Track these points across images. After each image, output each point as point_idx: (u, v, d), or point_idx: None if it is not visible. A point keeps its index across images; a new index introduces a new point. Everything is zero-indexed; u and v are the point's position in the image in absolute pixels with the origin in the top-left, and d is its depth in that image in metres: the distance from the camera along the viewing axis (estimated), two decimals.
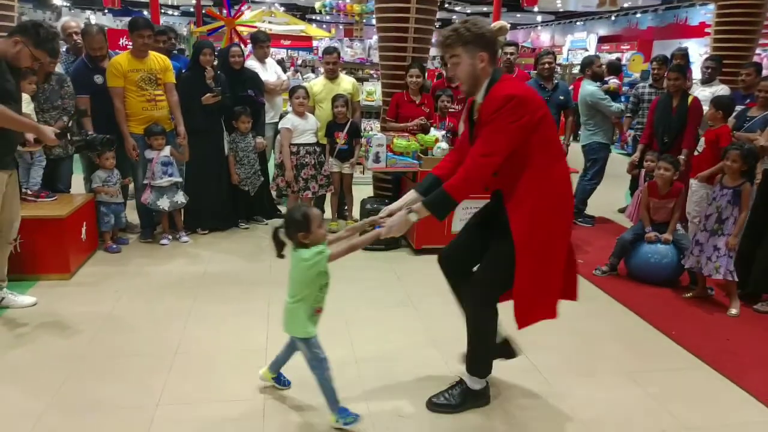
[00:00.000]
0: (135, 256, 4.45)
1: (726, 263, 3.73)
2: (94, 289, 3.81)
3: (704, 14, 6.01)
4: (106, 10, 22.82)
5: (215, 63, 4.86)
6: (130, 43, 4.56)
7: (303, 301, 2.43)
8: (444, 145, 4.69)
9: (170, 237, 4.76)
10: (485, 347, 2.55)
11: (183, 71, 4.89)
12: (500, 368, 2.75)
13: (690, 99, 4.98)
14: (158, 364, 2.89)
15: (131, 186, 4.98)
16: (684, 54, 5.98)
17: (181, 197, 4.64)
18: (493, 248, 2.42)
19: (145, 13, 18.84)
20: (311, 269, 2.37)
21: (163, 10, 26.06)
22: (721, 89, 5.27)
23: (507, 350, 2.75)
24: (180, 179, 4.67)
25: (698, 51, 6.62)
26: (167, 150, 4.56)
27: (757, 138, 4.02)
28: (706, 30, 5.92)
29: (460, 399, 2.59)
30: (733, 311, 3.78)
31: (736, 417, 2.68)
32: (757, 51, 6.02)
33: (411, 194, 2.53)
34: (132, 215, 4.95)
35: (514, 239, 2.28)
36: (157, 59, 4.46)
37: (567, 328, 3.49)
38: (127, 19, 4.96)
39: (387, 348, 3.17)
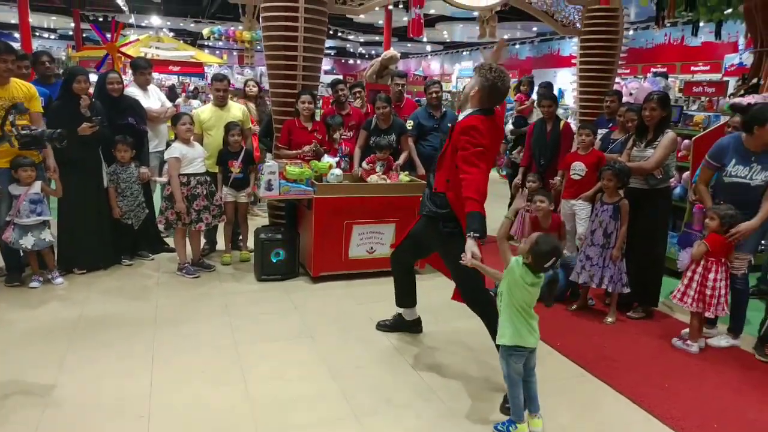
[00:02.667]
0: None
1: (619, 276, 4.03)
2: None
3: (573, 46, 6.58)
4: None
5: (90, 90, 4.56)
6: None
7: None
8: (338, 171, 4.70)
9: (41, 279, 4.33)
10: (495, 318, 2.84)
11: (53, 99, 4.52)
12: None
13: (562, 124, 5.39)
14: (21, 426, 2.58)
15: None
16: (530, 81, 6.90)
17: (48, 235, 4.25)
18: (449, 259, 3.07)
19: (16, 35, 17.37)
20: None
21: (37, 33, 24.23)
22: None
23: (418, 327, 3.75)
24: (49, 217, 4.28)
25: (569, 79, 7.19)
26: (37, 186, 4.18)
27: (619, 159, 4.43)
28: (573, 61, 6.43)
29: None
30: (610, 319, 4.09)
31: (617, 420, 2.87)
32: (618, 80, 6.64)
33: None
34: None
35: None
36: (20, 87, 4.09)
37: (459, 343, 3.59)
38: None
39: (282, 384, 3.06)
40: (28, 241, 4.13)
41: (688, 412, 2.93)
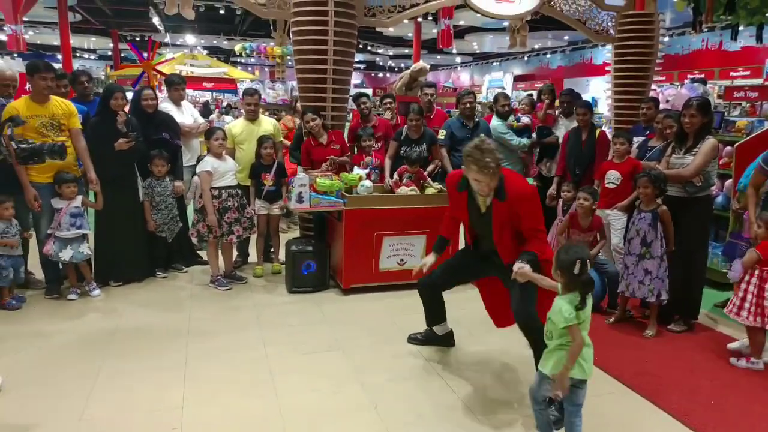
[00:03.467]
0: (37, 313, 4.09)
1: (660, 285, 3.88)
2: None
3: (606, 54, 6.42)
4: (15, 55, 21.74)
5: (127, 107, 4.68)
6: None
7: None
8: (368, 182, 4.69)
9: (79, 291, 4.43)
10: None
11: (90, 116, 4.65)
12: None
13: (597, 132, 5.26)
14: None
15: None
16: (551, 90, 6.18)
17: (86, 249, 4.35)
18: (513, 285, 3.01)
19: (59, 56, 18.09)
20: None
21: (78, 54, 25.20)
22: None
23: (451, 340, 3.70)
24: (88, 231, 4.39)
25: (602, 87, 7.04)
26: (79, 200, 4.29)
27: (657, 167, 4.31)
28: (606, 68, 6.28)
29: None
30: (650, 333, 3.93)
31: None
32: (653, 87, 6.47)
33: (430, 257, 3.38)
34: (37, 270, 4.59)
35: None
36: (59, 104, 4.22)
37: (492, 360, 3.51)
38: None
39: (314, 397, 3.03)
40: (66, 254, 4.23)
41: (737, 431, 2.78)
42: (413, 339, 3.73)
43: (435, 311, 3.61)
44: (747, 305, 3.44)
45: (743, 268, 3.52)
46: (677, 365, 3.50)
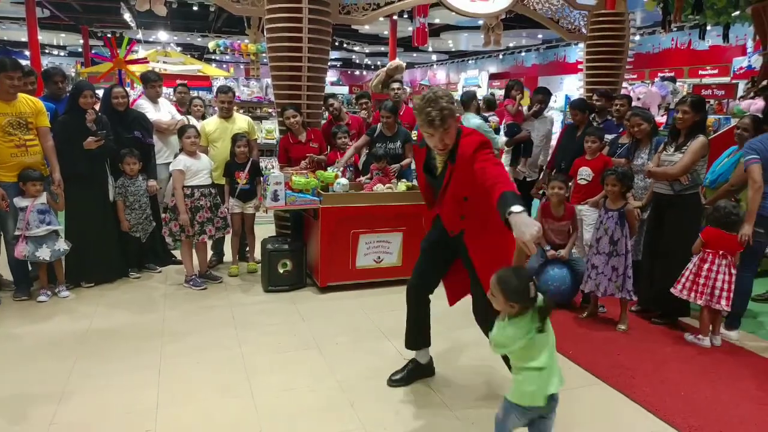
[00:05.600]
0: (6, 316, 3.99)
1: (626, 283, 3.96)
2: None
3: (579, 52, 6.51)
4: None
5: (97, 105, 4.58)
6: None
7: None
8: (344, 180, 4.68)
9: (49, 293, 4.33)
10: None
11: (59, 114, 4.55)
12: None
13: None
14: None
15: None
16: (519, 85, 6.06)
17: (62, 244, 4.27)
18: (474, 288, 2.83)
19: (27, 53, 17.61)
20: None
21: (47, 50, 24.57)
22: (550, 122, 5.84)
23: (431, 368, 3.26)
24: (59, 226, 4.30)
25: (575, 86, 7.14)
26: (44, 197, 4.19)
27: (624, 163, 4.40)
28: (579, 66, 6.36)
29: None
30: (622, 327, 4.01)
31: (633, 430, 2.79)
32: (624, 85, 6.59)
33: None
34: (4, 271, 4.48)
35: (478, 271, 2.71)
36: (27, 102, 4.12)
37: (468, 353, 3.53)
38: None
39: (290, 396, 3.01)
40: (44, 253, 4.13)
41: (707, 421, 2.85)
42: (395, 381, 3.16)
43: (421, 324, 3.12)
44: (683, 280, 3.78)
45: (693, 251, 3.78)
46: (649, 358, 3.57)
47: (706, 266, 3.68)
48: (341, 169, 4.91)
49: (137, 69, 8.35)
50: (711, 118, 5.56)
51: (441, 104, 2.49)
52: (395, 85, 5.93)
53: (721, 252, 3.66)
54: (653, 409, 2.95)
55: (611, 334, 3.96)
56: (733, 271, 3.66)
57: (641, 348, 3.72)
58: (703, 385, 3.24)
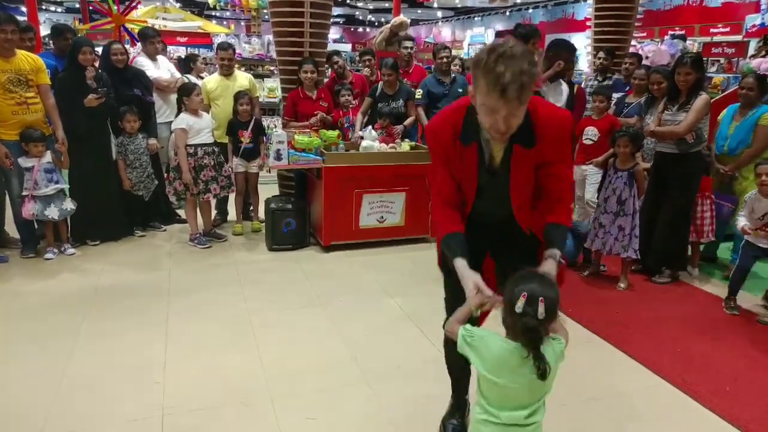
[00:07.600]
0: (14, 274, 4.05)
1: (632, 242, 3.98)
2: None
3: (588, 9, 6.33)
4: None
5: (96, 62, 4.52)
6: None
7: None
8: (373, 133, 4.71)
9: (56, 251, 4.38)
10: None
11: (59, 71, 4.50)
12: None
13: (575, 88, 5.24)
14: (40, 393, 2.63)
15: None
16: None
17: (69, 204, 4.30)
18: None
19: (23, 9, 17.26)
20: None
21: (44, 6, 24.06)
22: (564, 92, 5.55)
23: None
24: (66, 185, 4.32)
25: (583, 44, 6.99)
26: (48, 156, 4.19)
27: (635, 122, 4.34)
28: (588, 23, 6.22)
29: None
30: (622, 285, 4.06)
31: (628, 384, 2.86)
32: (633, 43, 6.46)
33: (465, 268, 1.89)
34: (10, 229, 4.52)
35: None
36: (26, 58, 4.07)
37: None
38: None
39: (294, 351, 3.08)
40: (52, 212, 4.17)
41: (701, 376, 2.91)
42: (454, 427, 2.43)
43: (462, 384, 2.44)
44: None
45: None
46: (647, 316, 3.63)
47: (698, 209, 4.17)
48: (361, 136, 4.85)
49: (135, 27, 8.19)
50: (720, 77, 5.46)
51: (522, 65, 1.59)
52: (408, 44, 5.83)
53: (706, 193, 4.17)
54: (648, 364, 3.01)
55: (611, 292, 4.00)
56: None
57: (640, 306, 3.77)
58: (699, 342, 3.29)
